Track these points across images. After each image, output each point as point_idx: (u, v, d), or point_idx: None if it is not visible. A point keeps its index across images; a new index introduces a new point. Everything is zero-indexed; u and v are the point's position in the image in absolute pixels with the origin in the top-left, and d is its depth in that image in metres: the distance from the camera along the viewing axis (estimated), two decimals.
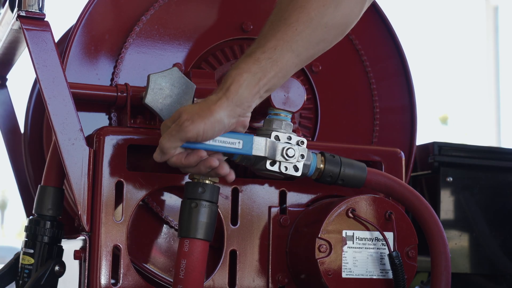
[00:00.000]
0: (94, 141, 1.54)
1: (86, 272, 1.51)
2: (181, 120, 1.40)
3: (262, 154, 1.48)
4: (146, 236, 1.63)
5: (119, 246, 1.51)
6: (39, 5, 1.53)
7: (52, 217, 1.58)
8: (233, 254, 1.60)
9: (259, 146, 1.48)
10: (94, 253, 1.50)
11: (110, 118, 1.65)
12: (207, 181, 1.46)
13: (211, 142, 1.44)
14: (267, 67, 1.43)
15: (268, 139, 1.49)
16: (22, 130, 2.14)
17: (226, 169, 1.46)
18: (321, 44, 1.48)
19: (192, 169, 1.45)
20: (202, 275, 1.44)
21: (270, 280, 1.61)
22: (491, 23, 7.84)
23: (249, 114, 1.46)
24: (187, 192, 1.46)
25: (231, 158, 1.52)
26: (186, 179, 1.50)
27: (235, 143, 1.46)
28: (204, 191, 1.45)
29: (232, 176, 1.48)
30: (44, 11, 1.54)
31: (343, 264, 1.54)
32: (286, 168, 1.51)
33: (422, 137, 2.07)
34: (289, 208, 1.64)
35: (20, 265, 1.59)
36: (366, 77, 1.85)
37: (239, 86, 1.41)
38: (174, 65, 1.68)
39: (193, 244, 1.44)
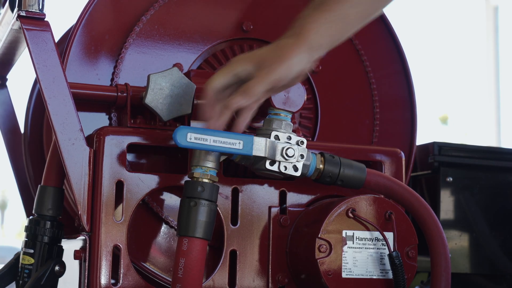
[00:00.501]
0: (94, 141, 1.54)
1: (86, 272, 1.51)
2: (267, 64, 1.41)
3: (262, 155, 1.48)
4: (146, 236, 1.63)
5: (119, 246, 1.51)
6: (39, 5, 1.53)
7: (52, 217, 1.58)
8: (233, 254, 1.60)
9: (259, 146, 1.48)
10: (94, 253, 1.50)
11: (110, 118, 1.65)
12: (206, 180, 1.46)
13: (211, 143, 1.44)
14: (343, 15, 1.44)
15: (268, 139, 1.49)
16: (22, 130, 2.14)
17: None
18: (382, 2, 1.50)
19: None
20: (200, 274, 1.44)
21: (270, 280, 1.61)
22: (491, 23, 7.84)
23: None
24: (186, 191, 1.46)
25: (230, 157, 1.52)
26: (186, 178, 1.50)
27: (235, 144, 1.46)
28: (204, 190, 1.45)
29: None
30: (44, 11, 1.54)
31: (343, 264, 1.54)
32: (286, 168, 1.51)
33: (422, 137, 2.07)
34: (289, 208, 1.64)
35: (20, 265, 1.59)
36: (366, 77, 1.85)
37: (315, 31, 1.43)
38: (174, 65, 1.68)
39: (192, 243, 1.44)
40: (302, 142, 1.52)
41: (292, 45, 1.43)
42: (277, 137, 1.51)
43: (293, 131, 1.58)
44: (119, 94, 1.60)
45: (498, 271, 2.05)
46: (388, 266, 1.56)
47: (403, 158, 1.73)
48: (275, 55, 1.43)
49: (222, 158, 1.50)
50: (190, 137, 1.43)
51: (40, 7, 1.53)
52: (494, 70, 7.77)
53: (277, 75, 1.42)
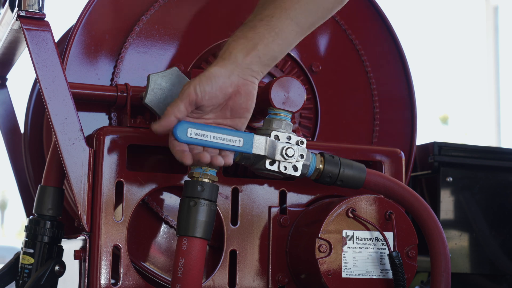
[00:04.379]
0: (94, 141, 1.54)
1: (86, 272, 1.51)
2: (182, 90, 1.42)
3: (262, 153, 1.48)
4: (146, 236, 1.63)
5: (119, 246, 1.51)
6: (39, 5, 1.53)
7: (52, 217, 1.58)
8: (233, 254, 1.60)
9: (259, 144, 1.48)
10: (94, 253, 1.50)
11: (110, 118, 1.65)
12: (206, 180, 1.46)
13: (211, 139, 1.44)
14: (264, 33, 1.44)
15: (268, 138, 1.49)
16: (22, 130, 2.14)
17: (230, 160, 1.45)
18: (320, 12, 1.49)
19: (191, 161, 1.42)
20: (200, 274, 1.44)
21: (270, 280, 1.61)
22: (491, 23, 7.84)
23: (254, 81, 1.45)
24: (186, 190, 1.46)
25: None
26: (186, 178, 1.50)
27: (235, 141, 1.46)
28: (203, 189, 1.45)
29: (229, 160, 1.45)
30: (44, 11, 1.54)
31: (343, 264, 1.54)
32: (286, 167, 1.51)
33: (422, 137, 2.07)
34: (289, 208, 1.64)
35: (20, 265, 1.59)
36: (366, 77, 1.85)
37: (234, 49, 1.43)
38: (174, 65, 1.68)
39: (192, 242, 1.44)
40: (302, 142, 1.52)
41: (213, 65, 1.43)
42: (277, 137, 1.51)
43: (293, 131, 1.58)
44: (119, 94, 1.60)
45: (498, 271, 2.05)
46: (388, 266, 1.56)
47: (403, 158, 1.73)
48: (196, 77, 1.42)
49: None
50: (190, 132, 1.43)
51: (40, 7, 1.53)
52: (494, 70, 7.77)
53: (190, 89, 1.40)
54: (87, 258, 1.51)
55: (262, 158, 1.51)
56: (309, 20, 1.48)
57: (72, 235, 1.64)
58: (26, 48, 1.53)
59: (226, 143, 1.45)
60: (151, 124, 1.43)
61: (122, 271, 1.51)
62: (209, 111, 1.45)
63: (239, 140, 1.47)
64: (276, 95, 1.55)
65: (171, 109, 1.41)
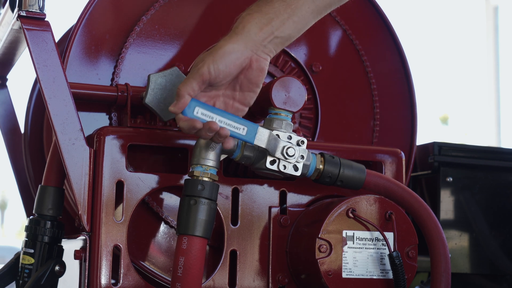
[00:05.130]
0: (94, 141, 1.54)
1: (86, 272, 1.51)
2: (193, 65, 1.42)
3: (263, 146, 1.48)
4: (146, 236, 1.63)
5: (119, 246, 1.52)
6: (39, 5, 1.53)
7: (52, 217, 1.58)
8: (233, 254, 1.60)
9: (262, 137, 1.48)
10: (94, 253, 1.50)
11: (110, 118, 1.65)
12: (206, 179, 1.46)
13: (217, 122, 1.43)
14: (280, 9, 1.43)
15: (272, 132, 1.49)
16: (22, 130, 2.14)
17: (226, 132, 1.43)
18: None
19: (197, 133, 1.43)
20: (200, 273, 1.44)
21: (270, 280, 1.61)
22: (491, 23, 7.84)
23: (266, 57, 1.45)
24: (186, 189, 1.46)
25: (230, 156, 1.52)
26: (186, 177, 1.50)
27: (239, 129, 1.46)
28: (203, 188, 1.45)
29: (229, 143, 1.45)
30: (44, 11, 1.54)
31: (343, 264, 1.54)
32: (286, 167, 1.51)
33: (422, 137, 2.07)
34: (289, 208, 1.64)
35: (20, 265, 1.59)
36: (366, 77, 1.85)
37: (248, 23, 1.42)
38: (174, 65, 1.68)
39: (192, 241, 1.43)
40: (303, 142, 1.52)
41: (225, 38, 1.42)
42: (277, 137, 1.51)
43: (293, 131, 1.58)
44: (120, 94, 1.60)
45: (498, 271, 2.05)
46: (388, 266, 1.56)
47: (403, 158, 1.73)
48: (206, 54, 1.42)
49: (222, 157, 1.50)
50: (197, 111, 1.43)
51: (40, 7, 1.53)
52: (494, 70, 7.77)
53: (204, 67, 1.40)
54: (87, 258, 1.51)
55: (263, 157, 1.51)
56: (326, 0, 1.46)
57: (72, 235, 1.64)
58: (27, 48, 1.53)
59: (230, 129, 1.45)
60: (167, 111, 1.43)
61: (122, 271, 1.52)
62: (220, 86, 1.45)
63: (243, 129, 1.47)
64: (277, 95, 1.55)
65: (184, 88, 1.41)
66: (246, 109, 1.49)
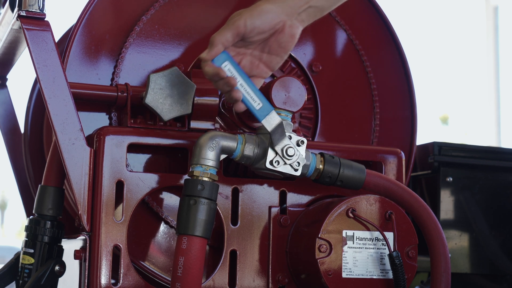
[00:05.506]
0: (94, 141, 1.54)
1: (86, 272, 1.51)
2: (230, 19, 1.46)
3: (268, 129, 1.49)
4: (146, 236, 1.63)
5: (119, 246, 1.52)
6: (39, 5, 1.53)
7: (52, 217, 1.58)
8: (233, 254, 1.60)
9: (272, 120, 1.49)
10: (94, 253, 1.50)
11: (110, 118, 1.65)
12: (206, 179, 1.46)
13: (238, 85, 1.45)
14: None
15: (283, 122, 1.50)
16: (22, 130, 2.14)
17: (239, 95, 1.47)
18: None
19: (215, 83, 1.47)
20: (200, 273, 1.44)
21: (270, 280, 1.61)
22: (491, 23, 7.83)
23: (299, 26, 1.49)
24: (186, 189, 1.46)
25: (230, 156, 1.52)
26: (186, 177, 1.50)
27: (255, 102, 1.48)
28: (203, 188, 1.45)
29: (240, 106, 1.49)
30: (44, 11, 1.54)
31: (343, 264, 1.54)
32: (285, 167, 1.51)
33: (422, 137, 2.07)
34: (289, 208, 1.64)
35: (20, 264, 1.59)
36: (366, 77, 1.85)
37: None
38: (174, 65, 1.68)
39: (191, 241, 1.44)
40: (303, 142, 1.52)
41: (264, 1, 1.47)
42: (286, 129, 1.51)
43: (293, 131, 1.58)
44: (119, 94, 1.60)
45: (498, 271, 2.05)
46: (388, 266, 1.56)
47: (403, 158, 1.73)
48: (244, 10, 1.47)
49: (222, 157, 1.50)
50: (226, 64, 1.45)
51: (40, 7, 1.53)
52: (494, 70, 7.77)
53: (240, 21, 1.44)
54: (87, 258, 1.51)
55: (262, 157, 1.51)
56: None
57: (72, 235, 1.64)
58: (26, 48, 1.53)
59: (247, 99, 1.47)
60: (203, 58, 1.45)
61: (122, 271, 1.52)
62: (250, 44, 1.49)
63: (259, 103, 1.48)
64: (277, 95, 1.55)
65: (219, 38, 1.45)
66: (270, 73, 1.53)
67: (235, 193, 1.61)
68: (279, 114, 1.54)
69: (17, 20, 1.54)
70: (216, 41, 1.45)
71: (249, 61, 1.51)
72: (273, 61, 1.51)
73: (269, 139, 1.50)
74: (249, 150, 1.51)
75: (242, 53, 1.50)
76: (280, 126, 1.50)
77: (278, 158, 1.51)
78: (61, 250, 1.60)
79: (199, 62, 1.72)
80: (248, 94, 1.48)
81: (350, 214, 1.55)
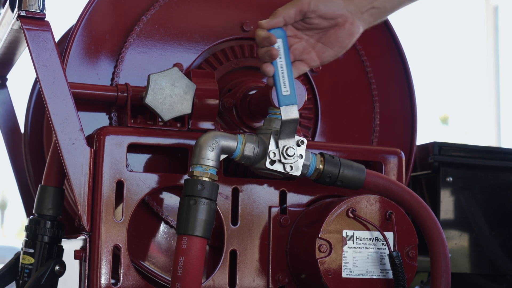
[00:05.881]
0: (94, 141, 1.54)
1: (86, 272, 1.51)
2: None
3: (283, 117, 1.49)
4: (146, 236, 1.63)
5: (119, 246, 1.52)
6: (39, 5, 1.53)
7: (52, 217, 1.58)
8: (233, 254, 1.60)
9: (290, 111, 1.49)
10: (94, 253, 1.50)
11: (110, 118, 1.65)
12: (206, 179, 1.46)
13: (279, 65, 1.48)
14: None
15: (298, 118, 1.50)
16: (22, 130, 2.14)
17: (270, 69, 1.49)
18: None
19: (260, 48, 1.49)
20: (200, 273, 1.44)
21: (270, 280, 1.61)
22: (491, 23, 7.83)
23: (360, 26, 1.53)
24: (186, 189, 1.46)
25: (230, 156, 1.52)
26: (186, 177, 1.50)
27: (285, 87, 1.49)
28: (203, 188, 1.45)
29: (270, 81, 1.50)
30: (44, 11, 1.54)
31: (343, 264, 1.54)
32: (285, 167, 1.51)
33: (422, 137, 2.07)
34: (289, 208, 1.64)
35: (20, 264, 1.59)
36: (366, 77, 1.85)
37: None
38: (174, 65, 1.68)
39: (191, 241, 1.44)
40: (303, 142, 1.52)
41: None
42: (295, 129, 1.51)
43: None
44: (120, 94, 1.60)
45: (498, 271, 2.05)
46: (388, 266, 1.56)
47: (403, 158, 1.73)
48: None
49: (222, 156, 1.50)
50: (278, 42, 1.48)
51: (41, 7, 1.53)
52: (494, 70, 7.76)
53: (307, 2, 1.48)
54: (87, 258, 1.51)
55: (263, 157, 1.51)
56: None
57: (72, 235, 1.64)
58: (26, 48, 1.53)
59: (279, 80, 1.48)
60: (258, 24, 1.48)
61: (122, 271, 1.52)
62: (309, 28, 1.51)
63: (287, 90, 1.49)
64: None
65: (282, 11, 1.48)
66: (318, 64, 1.55)
67: (235, 193, 1.61)
68: (279, 114, 1.54)
69: (17, 20, 1.54)
70: (278, 13, 1.48)
71: (302, 46, 1.53)
72: (326, 53, 1.54)
73: (274, 134, 1.50)
74: (249, 150, 1.51)
75: (299, 37, 1.53)
76: (294, 122, 1.50)
77: (278, 158, 1.51)
78: (61, 250, 1.60)
79: (199, 61, 1.72)
80: (283, 77, 1.49)
81: (350, 214, 1.55)
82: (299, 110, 1.56)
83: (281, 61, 1.49)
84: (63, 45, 1.75)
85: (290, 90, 1.49)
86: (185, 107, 1.57)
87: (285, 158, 1.51)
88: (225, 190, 1.60)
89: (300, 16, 1.50)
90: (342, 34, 1.53)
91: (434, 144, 2.01)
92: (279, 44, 1.49)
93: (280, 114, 1.53)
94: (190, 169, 1.48)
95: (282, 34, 1.49)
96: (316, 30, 1.52)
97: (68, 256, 1.58)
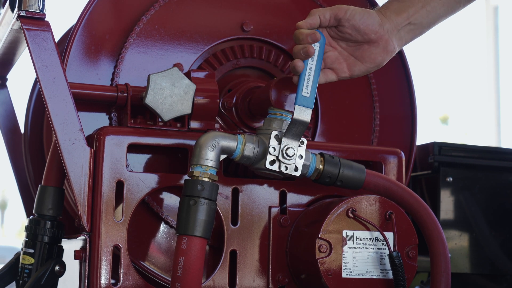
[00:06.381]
0: (94, 141, 1.54)
1: (86, 272, 1.51)
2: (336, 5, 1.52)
3: (295, 116, 1.49)
4: (146, 236, 1.63)
5: (119, 246, 1.52)
6: (39, 5, 1.53)
7: (52, 217, 1.58)
8: (233, 254, 1.60)
9: (303, 113, 1.50)
10: (94, 253, 1.50)
11: (110, 118, 1.65)
12: (206, 179, 1.46)
13: (307, 67, 1.49)
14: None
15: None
16: (22, 130, 2.14)
17: (300, 67, 1.50)
18: None
19: (298, 44, 1.50)
20: (200, 273, 1.44)
21: (270, 280, 1.61)
22: (491, 23, 7.83)
23: (395, 46, 1.56)
24: (186, 189, 1.46)
25: (230, 156, 1.52)
26: (186, 177, 1.50)
27: (308, 88, 1.50)
28: (203, 188, 1.45)
29: (295, 78, 1.52)
30: (44, 11, 1.54)
31: (343, 264, 1.54)
32: (286, 167, 1.51)
33: (422, 137, 2.07)
34: (289, 208, 1.64)
35: (20, 264, 1.59)
36: (366, 77, 1.85)
37: (388, 9, 1.55)
38: (174, 65, 1.68)
39: (191, 241, 1.44)
40: (302, 142, 1.52)
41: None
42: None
43: None
44: (119, 94, 1.60)
45: (498, 271, 2.05)
46: (388, 266, 1.56)
47: (403, 158, 1.73)
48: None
49: (222, 157, 1.50)
50: (315, 46, 1.49)
51: (40, 7, 1.53)
52: (494, 70, 7.76)
53: (344, 7, 1.50)
54: (87, 258, 1.51)
55: (262, 157, 1.51)
56: None
57: (72, 235, 1.64)
58: (26, 48, 1.53)
59: (303, 79, 1.49)
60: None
61: (122, 271, 1.52)
62: (342, 38, 1.53)
63: (307, 93, 1.50)
64: (277, 95, 1.55)
65: (318, 11, 1.51)
66: (347, 76, 1.57)
67: (235, 193, 1.61)
68: (278, 114, 1.54)
69: (17, 20, 1.54)
70: (314, 12, 1.50)
71: (335, 55, 1.55)
72: (357, 67, 1.56)
73: (274, 134, 1.50)
74: (249, 150, 1.51)
75: (333, 46, 1.55)
76: (303, 125, 1.50)
77: (277, 157, 1.51)
78: (61, 250, 1.60)
79: (199, 62, 1.72)
80: (308, 79, 1.49)
81: (350, 214, 1.55)
82: None
83: (312, 63, 1.50)
84: (63, 45, 1.75)
85: (311, 93, 1.50)
86: (185, 107, 1.57)
87: (285, 158, 1.51)
88: (225, 190, 1.60)
89: (335, 22, 1.51)
90: (376, 51, 1.54)
91: (434, 144, 2.01)
92: (316, 47, 1.50)
93: (281, 114, 1.54)
94: (190, 169, 1.48)
95: (322, 39, 1.50)
96: (349, 42, 1.54)
97: (68, 256, 1.58)
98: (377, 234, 1.57)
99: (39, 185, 1.60)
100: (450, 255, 1.60)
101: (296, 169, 1.52)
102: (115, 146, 1.53)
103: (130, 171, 1.55)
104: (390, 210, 1.57)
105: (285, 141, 1.51)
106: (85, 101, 1.60)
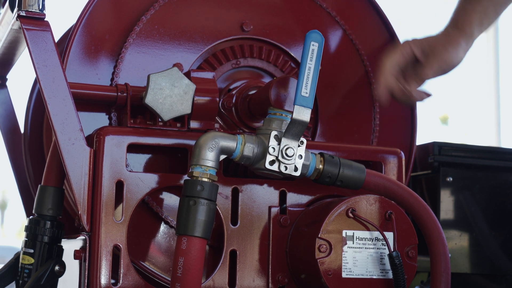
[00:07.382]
0: (94, 141, 1.54)
1: (86, 272, 1.51)
2: (436, 52, 1.66)
3: (294, 116, 1.49)
4: (146, 236, 1.63)
5: (119, 246, 1.52)
6: (39, 5, 1.53)
7: (52, 217, 1.58)
8: (233, 254, 1.60)
9: (302, 113, 1.50)
10: (94, 253, 1.50)
11: (110, 118, 1.65)
12: (205, 179, 1.46)
13: (307, 67, 1.49)
14: (488, 6, 1.72)
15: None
16: (22, 130, 2.14)
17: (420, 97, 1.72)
18: None
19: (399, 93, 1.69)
20: (200, 273, 1.44)
21: (270, 280, 1.61)
22: None
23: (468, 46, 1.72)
24: (185, 189, 1.46)
25: (230, 157, 1.52)
26: (186, 178, 1.50)
27: (307, 88, 1.50)
28: (203, 189, 1.45)
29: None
30: (44, 11, 1.54)
31: (343, 264, 1.54)
32: (285, 167, 1.51)
33: (422, 137, 2.07)
34: (289, 208, 1.64)
35: (20, 265, 1.59)
36: (366, 77, 1.85)
37: (471, 24, 1.69)
38: (174, 65, 1.68)
39: (191, 242, 1.44)
40: (302, 142, 1.52)
41: (457, 36, 1.66)
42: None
43: None
44: (119, 94, 1.60)
45: (498, 271, 2.05)
46: (388, 266, 1.56)
47: (403, 158, 1.73)
48: (443, 45, 1.66)
49: (222, 157, 1.50)
50: (313, 47, 1.50)
51: (40, 7, 1.53)
52: (494, 70, 7.76)
53: (445, 62, 1.64)
54: (87, 258, 1.51)
55: (262, 157, 1.51)
56: None
57: (72, 235, 1.64)
58: (26, 48, 1.53)
59: (302, 79, 1.49)
60: None
61: (122, 271, 1.52)
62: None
63: (307, 92, 1.50)
64: (276, 95, 1.55)
65: (431, 74, 1.70)
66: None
67: (235, 193, 1.61)
68: (278, 114, 1.54)
69: (17, 20, 1.54)
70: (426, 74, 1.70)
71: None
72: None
73: (274, 134, 1.50)
74: (249, 150, 1.51)
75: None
76: (302, 125, 1.50)
77: (277, 157, 1.51)
78: (61, 250, 1.60)
79: (199, 61, 1.72)
80: (307, 79, 1.49)
81: (350, 214, 1.55)
82: None
83: (310, 63, 1.50)
84: (63, 45, 1.75)
85: (310, 94, 1.50)
86: (185, 107, 1.57)
87: (284, 158, 1.51)
88: (225, 190, 1.60)
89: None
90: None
91: (434, 144, 2.01)
92: (314, 48, 1.49)
93: (280, 114, 1.54)
94: (190, 170, 1.48)
95: (320, 40, 1.50)
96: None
97: (68, 256, 1.58)
98: (377, 234, 1.57)
99: (39, 185, 1.60)
100: (450, 255, 1.60)
101: (295, 169, 1.52)
102: (115, 146, 1.53)
103: (130, 171, 1.55)
104: (390, 210, 1.57)
105: (284, 141, 1.51)
106: (85, 101, 1.60)
